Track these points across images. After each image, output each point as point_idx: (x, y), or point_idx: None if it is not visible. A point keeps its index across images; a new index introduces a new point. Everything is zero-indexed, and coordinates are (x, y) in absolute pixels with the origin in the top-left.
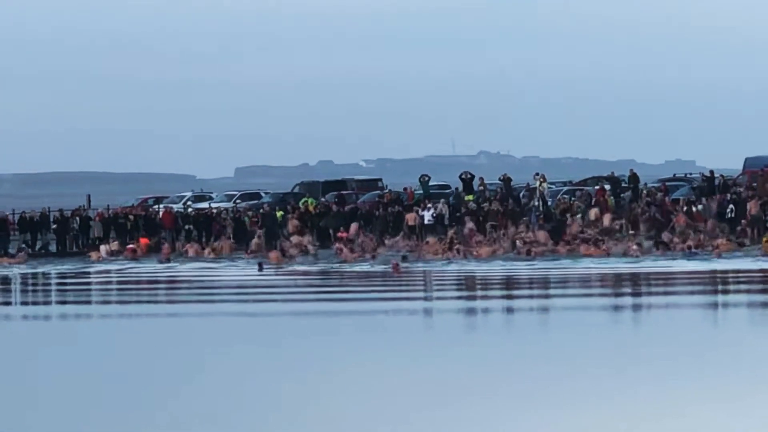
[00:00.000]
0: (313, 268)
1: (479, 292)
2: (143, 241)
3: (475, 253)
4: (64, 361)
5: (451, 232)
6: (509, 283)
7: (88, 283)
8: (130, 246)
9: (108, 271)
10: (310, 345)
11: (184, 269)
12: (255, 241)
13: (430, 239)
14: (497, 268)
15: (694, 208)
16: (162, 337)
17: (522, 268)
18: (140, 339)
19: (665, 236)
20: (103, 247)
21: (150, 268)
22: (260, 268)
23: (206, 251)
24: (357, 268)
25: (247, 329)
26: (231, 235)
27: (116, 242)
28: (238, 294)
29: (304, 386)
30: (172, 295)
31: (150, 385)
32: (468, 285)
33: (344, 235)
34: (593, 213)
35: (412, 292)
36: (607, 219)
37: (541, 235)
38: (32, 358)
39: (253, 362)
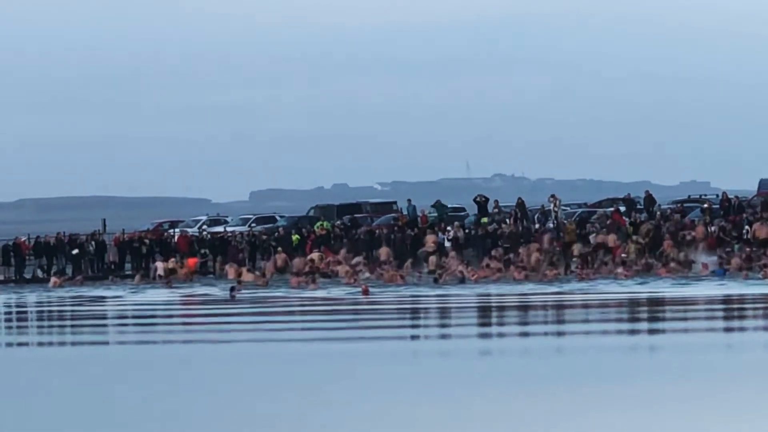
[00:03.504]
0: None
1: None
2: (191, 261)
3: (474, 277)
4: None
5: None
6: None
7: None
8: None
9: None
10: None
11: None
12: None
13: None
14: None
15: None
16: None
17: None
18: None
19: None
20: (159, 264)
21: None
22: (232, 291)
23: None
24: (325, 294)
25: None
26: (246, 258)
27: (172, 260)
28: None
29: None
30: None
31: None
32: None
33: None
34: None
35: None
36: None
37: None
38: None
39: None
